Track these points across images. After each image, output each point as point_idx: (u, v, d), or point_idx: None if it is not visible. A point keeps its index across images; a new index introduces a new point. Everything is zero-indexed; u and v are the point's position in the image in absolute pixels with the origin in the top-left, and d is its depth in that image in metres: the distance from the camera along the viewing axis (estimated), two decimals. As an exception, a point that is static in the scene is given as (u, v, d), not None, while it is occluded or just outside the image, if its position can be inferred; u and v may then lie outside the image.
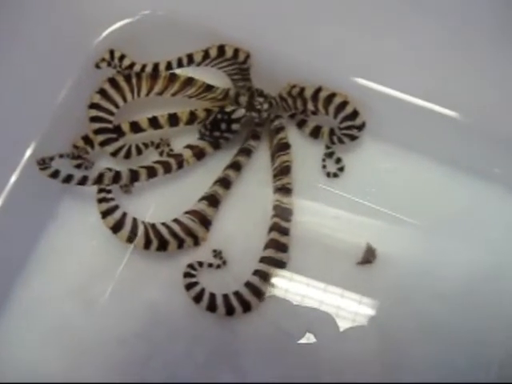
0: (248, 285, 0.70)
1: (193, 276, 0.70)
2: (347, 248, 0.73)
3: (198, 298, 0.69)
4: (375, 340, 0.70)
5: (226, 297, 0.69)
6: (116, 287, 0.72)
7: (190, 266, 0.71)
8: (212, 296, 0.69)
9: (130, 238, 0.70)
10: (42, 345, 0.70)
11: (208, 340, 0.70)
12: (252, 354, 0.70)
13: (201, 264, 0.71)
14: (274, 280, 0.71)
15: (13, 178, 0.69)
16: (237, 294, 0.70)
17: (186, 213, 0.72)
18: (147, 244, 0.70)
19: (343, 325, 0.70)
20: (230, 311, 0.69)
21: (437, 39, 0.70)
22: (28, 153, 0.69)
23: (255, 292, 0.70)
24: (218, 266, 0.72)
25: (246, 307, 0.70)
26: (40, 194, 0.72)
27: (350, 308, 0.71)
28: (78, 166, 0.72)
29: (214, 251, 0.72)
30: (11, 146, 0.69)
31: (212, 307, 0.69)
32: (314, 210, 0.75)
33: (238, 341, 0.70)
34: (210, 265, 0.72)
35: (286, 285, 0.72)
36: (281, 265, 0.71)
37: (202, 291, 0.69)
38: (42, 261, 0.72)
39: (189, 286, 0.70)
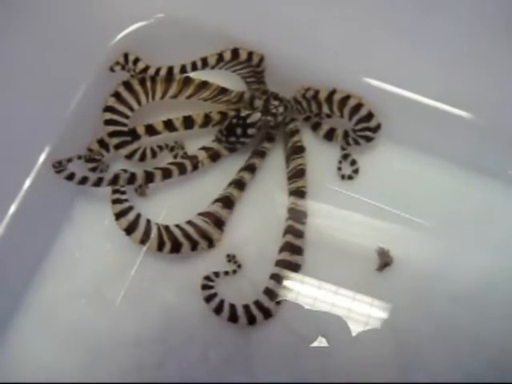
0: (267, 291, 0.70)
1: (211, 288, 0.70)
2: (361, 251, 0.73)
3: (218, 310, 0.69)
4: (389, 343, 0.70)
5: (246, 307, 0.69)
6: (130, 290, 0.72)
7: (207, 277, 0.70)
8: (232, 307, 0.69)
9: (144, 240, 0.70)
10: (56, 347, 0.71)
11: (222, 343, 0.70)
12: (265, 357, 0.70)
13: (217, 274, 0.70)
14: (286, 283, 0.71)
15: (28, 181, 0.69)
16: (257, 302, 0.69)
17: (200, 214, 0.72)
18: (160, 246, 0.70)
19: (356, 328, 0.70)
20: (251, 320, 0.69)
21: (450, 40, 0.70)
22: (43, 156, 0.69)
23: (274, 297, 0.70)
24: (234, 272, 0.71)
25: (267, 314, 0.69)
26: (55, 197, 0.73)
27: (363, 311, 0.71)
28: (93, 170, 0.72)
29: (228, 256, 0.72)
30: (26, 150, 0.69)
31: (233, 318, 0.68)
32: (328, 212, 0.75)
33: (251, 344, 0.70)
34: (226, 272, 0.71)
35: (299, 288, 0.71)
36: (296, 268, 0.71)
37: (222, 302, 0.69)
38: (56, 263, 0.72)
39: (208, 299, 0.69)
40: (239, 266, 0.72)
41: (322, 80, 0.72)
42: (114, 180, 0.69)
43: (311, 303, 0.71)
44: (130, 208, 0.70)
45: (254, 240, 0.73)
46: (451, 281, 0.71)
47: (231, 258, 0.72)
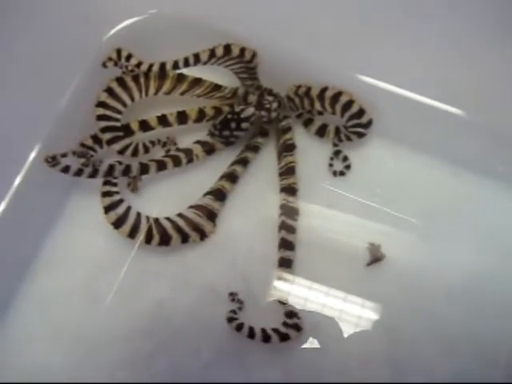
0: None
1: (237, 319, 0.69)
2: (352, 250, 0.73)
3: (251, 335, 0.68)
4: (380, 341, 0.70)
5: (285, 323, 0.69)
6: (122, 284, 0.72)
7: (230, 319, 0.69)
8: (273, 331, 0.68)
9: (132, 234, 0.70)
10: (48, 341, 0.71)
11: (213, 338, 0.71)
12: (257, 353, 0.70)
13: (235, 312, 0.69)
14: (277, 283, 0.72)
15: (20, 176, 0.69)
16: (290, 312, 0.70)
17: (191, 207, 0.73)
18: (148, 239, 0.70)
19: (347, 327, 0.70)
20: (299, 329, 0.69)
21: (443, 37, 0.71)
22: (36, 150, 0.69)
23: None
24: (240, 309, 0.70)
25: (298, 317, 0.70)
26: (47, 192, 0.73)
27: (354, 310, 0.71)
28: (86, 165, 0.71)
29: (231, 294, 0.71)
30: (19, 144, 0.70)
31: (284, 337, 0.69)
32: (319, 210, 0.75)
33: (242, 340, 0.69)
34: (240, 308, 0.70)
35: (290, 287, 0.72)
36: (289, 263, 0.71)
37: (266, 333, 0.68)
38: (48, 259, 0.73)
39: (251, 335, 0.68)
40: (242, 303, 0.71)
41: (316, 77, 0.72)
42: (110, 171, 0.70)
43: (302, 302, 0.71)
44: (120, 201, 0.71)
45: (245, 234, 0.74)
46: (443, 278, 0.72)
47: (234, 297, 0.71)
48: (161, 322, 0.71)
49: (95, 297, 0.72)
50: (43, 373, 0.69)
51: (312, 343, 0.69)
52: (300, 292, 0.71)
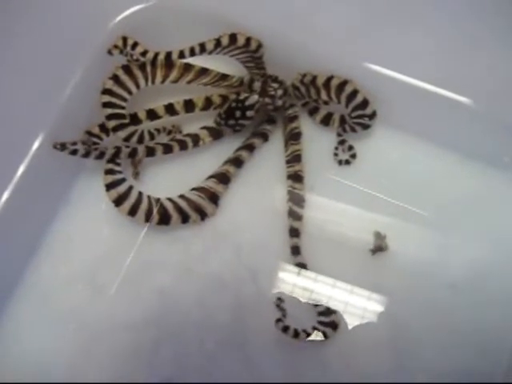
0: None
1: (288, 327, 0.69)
2: (357, 241, 0.72)
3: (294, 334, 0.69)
4: (385, 334, 0.70)
5: (321, 322, 0.70)
6: (126, 274, 0.72)
7: (284, 329, 0.68)
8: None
9: (132, 212, 0.70)
10: (52, 330, 0.71)
11: (218, 328, 0.71)
12: (261, 344, 0.70)
13: (280, 319, 0.69)
14: (282, 274, 0.72)
15: (25, 163, 0.68)
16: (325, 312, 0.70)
17: (194, 189, 0.73)
18: (148, 217, 0.70)
19: (352, 319, 0.70)
20: (334, 327, 0.70)
21: (450, 25, 0.70)
22: (41, 137, 0.69)
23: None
24: (283, 316, 0.70)
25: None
26: (51, 181, 0.73)
27: (359, 302, 0.71)
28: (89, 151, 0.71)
29: (279, 299, 0.71)
30: (24, 132, 0.69)
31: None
32: (324, 201, 0.75)
33: (247, 331, 0.70)
34: (284, 315, 0.70)
35: (295, 279, 0.72)
36: (296, 250, 0.72)
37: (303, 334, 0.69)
38: (52, 247, 0.73)
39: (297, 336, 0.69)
40: (284, 314, 0.70)
41: (322, 65, 0.72)
42: (116, 153, 0.70)
43: (307, 295, 0.71)
44: (123, 180, 0.71)
45: (250, 223, 0.74)
46: (450, 272, 0.71)
47: (279, 303, 0.71)
48: (165, 312, 0.71)
49: (99, 285, 0.72)
50: (45, 362, 0.70)
51: (316, 335, 0.69)
52: (304, 283, 0.71)
